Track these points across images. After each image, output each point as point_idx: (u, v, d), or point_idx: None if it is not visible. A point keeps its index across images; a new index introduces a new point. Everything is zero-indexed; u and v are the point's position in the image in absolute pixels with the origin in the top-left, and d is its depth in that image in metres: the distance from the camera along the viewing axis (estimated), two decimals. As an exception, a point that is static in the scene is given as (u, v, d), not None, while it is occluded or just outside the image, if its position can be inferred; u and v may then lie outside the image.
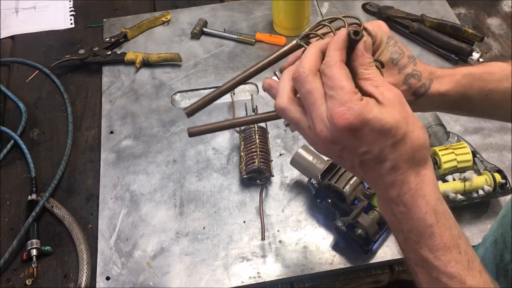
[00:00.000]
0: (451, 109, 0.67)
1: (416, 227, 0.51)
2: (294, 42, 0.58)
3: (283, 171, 0.96)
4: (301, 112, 0.53)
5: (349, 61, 0.52)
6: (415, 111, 0.65)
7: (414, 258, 0.53)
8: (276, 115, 0.58)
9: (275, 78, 0.62)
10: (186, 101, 1.09)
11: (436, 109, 0.68)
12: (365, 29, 0.55)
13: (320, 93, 0.50)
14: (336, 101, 0.48)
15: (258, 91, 1.09)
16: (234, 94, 1.05)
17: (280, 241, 0.87)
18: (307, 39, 0.57)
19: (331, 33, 0.56)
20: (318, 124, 0.50)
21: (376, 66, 0.54)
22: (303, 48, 0.57)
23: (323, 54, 0.53)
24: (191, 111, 0.59)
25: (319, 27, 0.58)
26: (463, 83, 0.62)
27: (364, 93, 0.51)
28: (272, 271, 0.84)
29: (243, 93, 1.09)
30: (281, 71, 0.61)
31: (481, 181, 0.86)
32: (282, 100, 0.54)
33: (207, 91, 1.10)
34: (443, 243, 0.51)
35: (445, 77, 0.62)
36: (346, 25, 0.54)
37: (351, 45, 0.52)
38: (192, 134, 0.60)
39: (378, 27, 0.59)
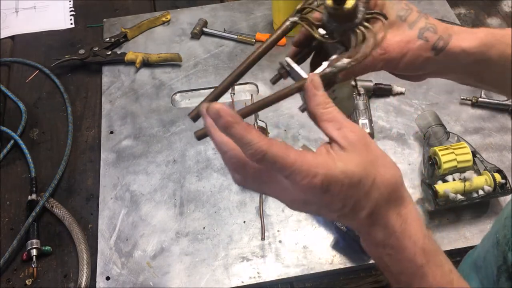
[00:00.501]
0: (470, 73, 0.62)
1: (406, 269, 0.50)
2: (287, 22, 0.55)
3: (283, 171, 0.96)
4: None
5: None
6: (436, 76, 0.62)
7: None
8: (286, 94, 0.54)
9: (288, 60, 0.57)
10: (186, 101, 1.09)
11: (455, 72, 0.63)
12: None
13: (270, 173, 0.48)
14: (296, 175, 0.45)
15: (258, 91, 1.09)
16: (234, 94, 1.05)
17: (280, 241, 0.87)
18: (301, 15, 0.55)
19: None
20: (286, 195, 0.48)
21: (379, 19, 0.52)
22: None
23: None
24: (197, 116, 0.57)
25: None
26: (486, 41, 0.58)
27: (328, 137, 0.49)
28: (272, 271, 0.84)
29: (243, 93, 1.09)
30: (291, 57, 0.58)
31: (481, 181, 0.86)
32: (236, 179, 0.51)
33: (207, 91, 1.11)
34: (436, 282, 0.49)
35: (465, 33, 0.58)
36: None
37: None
38: (200, 137, 0.57)
39: None
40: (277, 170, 0.46)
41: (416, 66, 0.59)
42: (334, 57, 0.55)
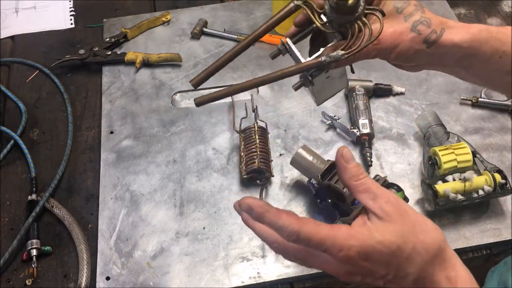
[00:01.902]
0: (460, 66, 0.63)
1: None
2: (291, 4, 0.58)
3: (283, 171, 0.96)
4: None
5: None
6: (426, 67, 0.63)
7: None
8: (300, 68, 0.59)
9: (280, 45, 0.62)
10: (186, 101, 1.09)
11: (445, 65, 0.64)
12: None
13: (309, 252, 0.50)
14: (334, 250, 0.48)
15: (258, 91, 1.09)
16: (234, 94, 1.05)
17: (280, 241, 0.87)
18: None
19: None
20: (328, 268, 0.50)
21: (376, 15, 0.54)
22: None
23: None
24: (198, 82, 0.60)
25: None
26: (479, 37, 0.59)
27: (364, 207, 0.51)
28: (272, 271, 0.85)
29: (243, 93, 1.09)
30: (289, 37, 0.62)
31: (481, 181, 0.86)
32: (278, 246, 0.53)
33: (207, 91, 1.11)
34: None
35: (459, 28, 0.59)
36: None
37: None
38: (199, 103, 0.61)
39: None
40: (313, 247, 0.49)
41: (407, 57, 0.60)
42: (331, 44, 0.60)
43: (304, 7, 0.57)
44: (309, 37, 0.65)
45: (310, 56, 0.62)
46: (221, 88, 0.62)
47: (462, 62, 0.61)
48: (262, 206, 0.52)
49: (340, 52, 0.57)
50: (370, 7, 0.57)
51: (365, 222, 0.50)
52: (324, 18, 0.58)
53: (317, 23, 0.58)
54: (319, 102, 0.69)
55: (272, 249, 0.53)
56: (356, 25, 0.57)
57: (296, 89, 0.63)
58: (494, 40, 0.60)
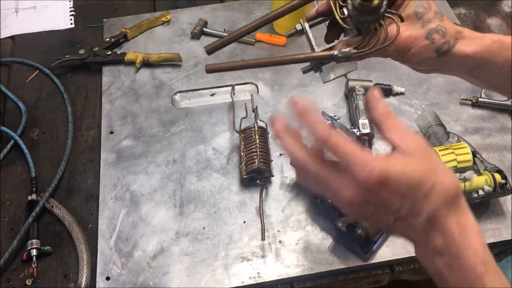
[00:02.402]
0: (470, 75, 0.65)
1: (465, 280, 0.50)
2: None
3: (283, 171, 0.96)
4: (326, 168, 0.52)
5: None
6: (435, 72, 0.64)
7: None
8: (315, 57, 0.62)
9: (298, 25, 0.66)
10: (186, 101, 1.09)
11: (456, 72, 0.66)
12: None
13: (330, 171, 0.50)
14: (357, 166, 0.48)
15: (258, 91, 1.09)
16: (234, 94, 1.05)
17: (280, 241, 0.87)
18: None
19: None
20: (344, 193, 0.49)
21: (394, 20, 0.55)
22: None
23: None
24: (211, 49, 0.64)
25: None
26: (491, 49, 0.60)
27: (390, 143, 0.51)
28: (272, 271, 0.85)
29: (243, 93, 1.09)
30: (307, 19, 0.65)
31: (481, 181, 0.86)
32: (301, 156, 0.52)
33: (207, 91, 1.11)
34: None
35: (473, 39, 0.60)
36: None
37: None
38: (209, 70, 0.63)
39: None
40: (339, 155, 0.49)
41: (418, 61, 0.62)
42: (345, 38, 0.62)
43: None
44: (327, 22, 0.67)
45: (325, 40, 0.65)
46: (238, 61, 0.66)
47: (473, 71, 0.62)
48: (307, 105, 0.52)
49: (353, 50, 0.59)
50: (391, 10, 0.59)
51: (388, 155, 0.50)
52: (345, 12, 0.60)
53: (337, 16, 0.60)
54: (325, 80, 0.70)
55: (294, 161, 0.53)
56: (373, 25, 0.59)
57: (304, 72, 0.66)
58: (507, 51, 0.61)
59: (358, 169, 0.48)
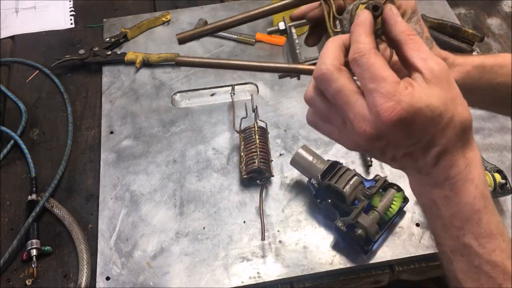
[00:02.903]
0: None
1: (462, 212, 0.48)
2: None
3: (283, 171, 0.96)
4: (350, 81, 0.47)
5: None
6: None
7: (453, 245, 0.50)
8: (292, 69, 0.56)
9: (281, 24, 0.61)
10: (186, 101, 1.09)
11: None
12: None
13: (351, 89, 0.46)
14: (381, 94, 0.44)
15: (258, 91, 1.09)
16: (234, 94, 1.05)
17: (280, 241, 0.87)
18: None
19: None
20: (359, 123, 0.46)
21: (388, 45, 0.51)
22: (318, 3, 0.56)
23: (345, 49, 0.48)
24: (183, 38, 0.58)
25: None
26: (472, 74, 0.60)
27: (410, 66, 0.47)
28: (272, 271, 0.84)
29: (243, 93, 1.09)
30: (291, 19, 0.60)
31: (481, 181, 0.86)
32: (326, 64, 0.47)
33: (207, 91, 1.11)
34: (489, 230, 0.48)
35: (455, 66, 0.60)
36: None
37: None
38: (181, 40, 0.58)
39: None
40: (368, 75, 0.45)
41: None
42: None
43: (325, 5, 0.55)
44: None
45: (305, 42, 0.61)
46: (208, 26, 0.61)
47: None
48: (368, 19, 0.48)
49: None
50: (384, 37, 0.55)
51: (411, 83, 0.46)
52: (338, 26, 0.55)
53: (330, 30, 0.56)
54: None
55: (316, 72, 0.48)
56: None
57: (280, 77, 0.60)
58: (488, 74, 0.61)
59: (382, 98, 0.44)
